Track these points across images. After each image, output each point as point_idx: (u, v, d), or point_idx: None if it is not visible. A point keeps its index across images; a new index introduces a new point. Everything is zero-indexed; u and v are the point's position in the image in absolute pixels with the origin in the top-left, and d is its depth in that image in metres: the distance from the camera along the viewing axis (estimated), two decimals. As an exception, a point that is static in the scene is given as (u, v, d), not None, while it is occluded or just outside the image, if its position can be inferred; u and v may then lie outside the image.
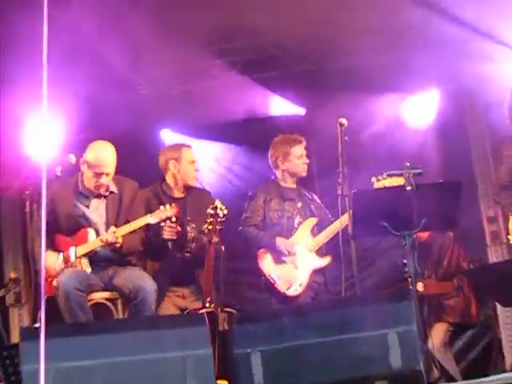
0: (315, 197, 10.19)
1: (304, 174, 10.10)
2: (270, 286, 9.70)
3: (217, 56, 11.55)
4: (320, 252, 9.82)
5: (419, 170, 8.21)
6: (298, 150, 10.03)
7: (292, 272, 9.69)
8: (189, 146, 10.23)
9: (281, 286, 9.66)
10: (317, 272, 9.79)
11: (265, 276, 9.72)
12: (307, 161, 10.09)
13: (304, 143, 10.09)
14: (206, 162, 11.41)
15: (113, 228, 8.99)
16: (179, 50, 10.85)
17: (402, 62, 11.26)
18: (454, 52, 11.04)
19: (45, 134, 9.35)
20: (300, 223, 9.86)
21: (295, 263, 9.71)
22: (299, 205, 9.93)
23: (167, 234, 9.34)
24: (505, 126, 9.84)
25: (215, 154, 12.57)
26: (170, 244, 9.53)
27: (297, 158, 10.04)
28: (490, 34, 10.68)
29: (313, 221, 9.89)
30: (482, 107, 11.84)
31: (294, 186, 10.10)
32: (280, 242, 9.71)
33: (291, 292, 9.64)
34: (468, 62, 10.80)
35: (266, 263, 9.73)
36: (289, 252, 9.68)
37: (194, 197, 9.95)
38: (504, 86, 9.98)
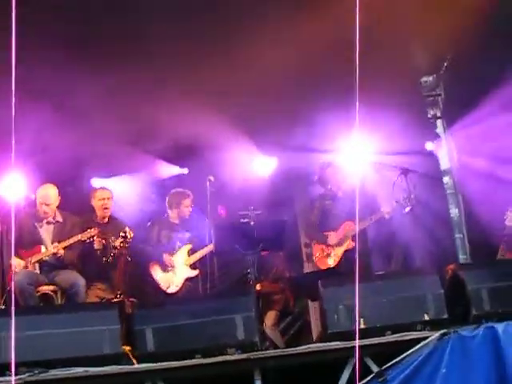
0: (193, 230, 10.13)
1: (187, 216, 10.12)
2: (156, 286, 9.74)
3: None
4: (193, 266, 9.87)
5: (259, 212, 8.43)
6: (187, 202, 10.10)
7: (171, 277, 9.75)
8: (101, 189, 10.20)
9: (163, 286, 9.71)
10: (188, 279, 9.84)
11: (153, 279, 9.76)
12: (191, 209, 10.11)
13: (191, 197, 10.13)
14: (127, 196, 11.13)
15: (55, 244, 9.04)
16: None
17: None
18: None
19: (13, 182, 9.57)
20: (180, 246, 9.92)
21: (174, 272, 9.77)
22: (179, 235, 9.98)
23: (96, 245, 9.36)
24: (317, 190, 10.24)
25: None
26: (98, 252, 9.49)
27: (185, 207, 10.11)
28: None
29: (189, 246, 9.96)
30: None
31: (178, 221, 10.13)
32: (165, 257, 9.78)
33: (170, 290, 9.69)
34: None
35: (155, 270, 9.78)
36: (170, 264, 9.74)
37: (113, 224, 9.94)
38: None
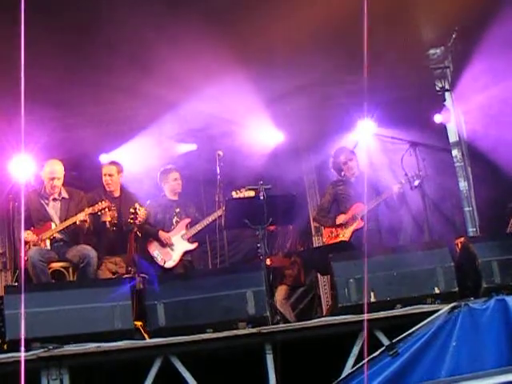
0: (191, 205, 10.22)
1: (179, 190, 10.13)
2: (154, 261, 9.77)
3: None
4: (191, 240, 9.87)
5: (269, 186, 8.42)
6: (173, 176, 10.12)
7: (169, 252, 9.76)
8: (106, 165, 10.23)
9: (160, 261, 9.72)
10: (187, 253, 9.87)
11: (150, 255, 9.80)
12: (180, 182, 10.13)
13: (177, 171, 10.18)
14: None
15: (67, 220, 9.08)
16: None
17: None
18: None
19: (22, 162, 9.62)
20: (177, 222, 9.94)
21: (172, 247, 9.79)
22: (177, 210, 9.99)
23: (108, 218, 9.37)
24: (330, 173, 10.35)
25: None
26: (110, 226, 9.50)
27: (173, 181, 10.12)
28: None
29: (186, 220, 9.98)
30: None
31: (176, 197, 10.15)
32: (161, 234, 9.78)
33: (167, 265, 9.68)
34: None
35: (152, 246, 9.79)
36: (166, 241, 9.77)
37: (124, 198, 9.95)
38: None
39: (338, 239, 9.68)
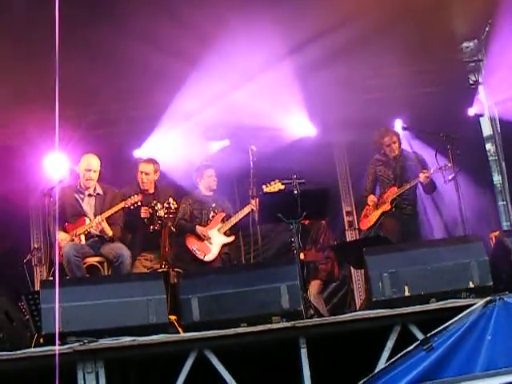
0: (225, 200, 10.34)
1: (214, 187, 10.24)
2: (193, 255, 9.81)
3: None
4: (228, 233, 9.98)
5: (303, 181, 8.39)
6: (209, 172, 10.24)
7: (207, 246, 9.84)
8: (143, 162, 10.21)
9: (199, 255, 9.80)
10: (225, 246, 9.94)
11: (189, 250, 9.82)
12: (215, 179, 10.23)
13: (213, 169, 10.29)
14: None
15: (98, 216, 9.07)
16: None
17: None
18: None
19: (57, 158, 9.68)
20: (213, 216, 10.03)
21: (210, 241, 9.86)
22: (213, 205, 10.08)
23: (143, 214, 9.45)
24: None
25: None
26: (145, 221, 9.56)
27: (208, 177, 10.21)
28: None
29: (222, 214, 10.07)
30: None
31: (210, 193, 10.22)
32: (198, 229, 9.90)
33: (207, 258, 9.80)
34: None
35: (190, 241, 9.88)
36: (204, 235, 9.82)
37: (158, 193, 9.96)
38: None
39: (366, 220, 10.03)
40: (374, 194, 10.20)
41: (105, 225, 9.04)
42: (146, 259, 9.68)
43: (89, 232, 9.10)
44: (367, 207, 10.20)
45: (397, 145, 10.21)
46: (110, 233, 9.07)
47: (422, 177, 9.79)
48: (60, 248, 8.77)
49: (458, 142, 9.35)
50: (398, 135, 10.30)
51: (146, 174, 9.96)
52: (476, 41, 11.00)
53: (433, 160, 9.59)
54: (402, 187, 9.95)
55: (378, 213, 9.99)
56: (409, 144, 10.60)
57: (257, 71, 10.10)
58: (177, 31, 9.11)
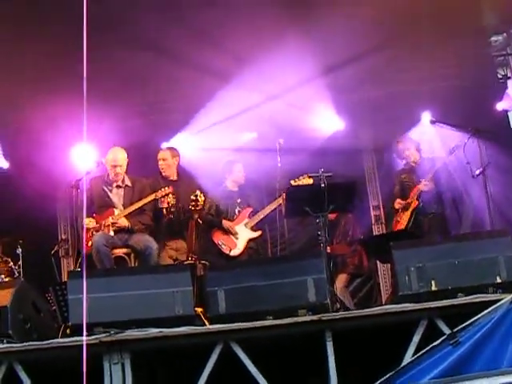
0: (252, 194, 10.25)
1: (242, 182, 10.23)
2: (219, 250, 9.78)
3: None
4: (254, 228, 9.92)
5: (330, 174, 8.33)
6: (238, 167, 10.21)
7: (233, 241, 9.80)
8: (162, 150, 10.32)
9: (225, 250, 9.76)
10: (251, 240, 9.89)
11: (215, 244, 9.80)
12: (243, 174, 10.22)
13: (241, 164, 10.27)
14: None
15: (127, 208, 9.14)
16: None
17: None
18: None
19: (85, 150, 9.68)
20: (239, 211, 9.99)
21: (236, 236, 9.81)
22: (239, 200, 10.03)
23: (170, 204, 9.35)
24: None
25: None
26: (171, 212, 9.49)
27: (238, 172, 10.20)
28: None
29: (248, 209, 10.03)
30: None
31: (236, 188, 10.19)
32: (225, 223, 9.85)
33: (232, 253, 9.74)
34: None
35: (217, 235, 9.84)
36: (230, 230, 9.78)
37: (183, 183, 9.99)
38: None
39: (399, 224, 9.84)
40: None
41: (125, 223, 9.11)
42: (172, 249, 9.70)
43: (115, 223, 9.10)
44: (397, 214, 10.09)
45: (411, 151, 10.16)
46: (126, 223, 9.11)
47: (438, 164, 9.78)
48: (89, 235, 8.80)
49: (487, 135, 9.26)
50: (413, 142, 10.28)
51: (164, 159, 10.06)
52: (505, 34, 10.84)
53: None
54: (426, 180, 9.89)
55: (408, 213, 9.88)
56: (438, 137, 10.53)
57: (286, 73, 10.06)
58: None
